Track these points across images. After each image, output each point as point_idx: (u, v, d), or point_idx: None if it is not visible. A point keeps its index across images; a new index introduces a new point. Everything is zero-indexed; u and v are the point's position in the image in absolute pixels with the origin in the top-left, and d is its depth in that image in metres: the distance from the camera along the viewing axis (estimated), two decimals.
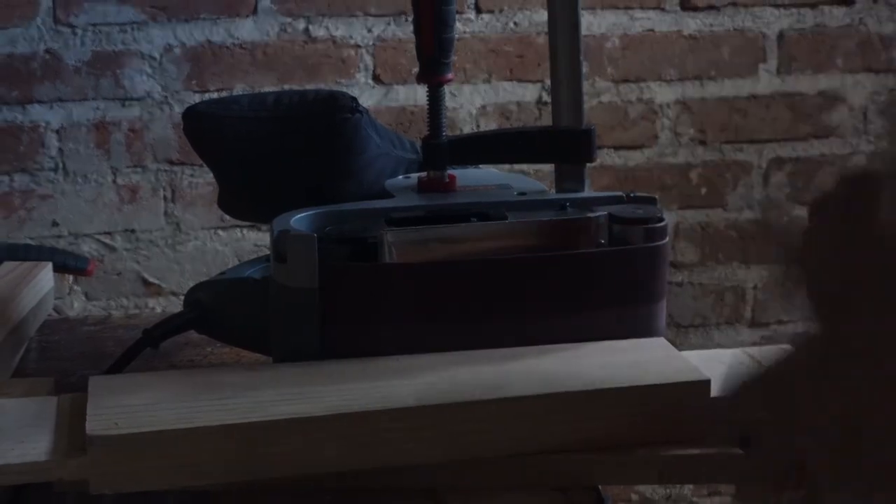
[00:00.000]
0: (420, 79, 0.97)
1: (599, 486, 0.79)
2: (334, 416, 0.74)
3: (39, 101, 1.49)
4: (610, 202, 0.93)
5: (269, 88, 1.47)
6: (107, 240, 1.54)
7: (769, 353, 0.88)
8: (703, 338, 1.68)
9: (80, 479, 0.71)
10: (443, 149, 0.97)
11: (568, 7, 0.94)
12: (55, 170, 1.52)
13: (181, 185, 1.52)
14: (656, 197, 0.95)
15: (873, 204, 0.56)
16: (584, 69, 0.98)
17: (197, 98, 1.46)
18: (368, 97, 1.51)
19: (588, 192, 0.96)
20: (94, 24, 1.44)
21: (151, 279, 1.56)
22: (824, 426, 0.56)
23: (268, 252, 0.96)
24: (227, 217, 1.23)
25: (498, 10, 1.53)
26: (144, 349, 0.89)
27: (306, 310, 0.83)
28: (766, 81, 1.61)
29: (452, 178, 0.97)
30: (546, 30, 0.97)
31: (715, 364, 0.86)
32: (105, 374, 0.86)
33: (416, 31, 0.95)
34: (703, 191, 1.64)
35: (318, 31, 1.49)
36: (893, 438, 0.54)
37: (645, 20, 1.57)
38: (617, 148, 1.60)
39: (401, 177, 1.00)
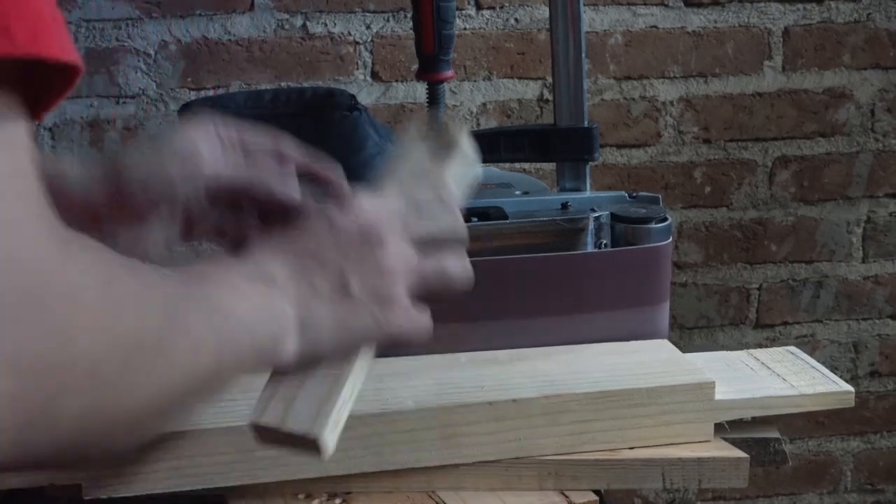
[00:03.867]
0: (419, 76, 0.97)
1: (601, 489, 0.78)
2: None
3: None
4: (612, 201, 0.93)
5: (266, 86, 1.46)
6: None
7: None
8: (707, 339, 1.67)
9: (72, 483, 0.70)
10: None
11: (570, 3, 0.94)
12: None
13: None
14: (659, 196, 0.95)
15: None
16: (587, 66, 0.97)
17: (193, 95, 1.45)
18: (367, 95, 1.50)
19: (590, 192, 0.96)
20: (88, 20, 1.43)
21: None
22: None
23: None
24: None
25: (499, 7, 1.52)
26: None
27: None
28: (771, 78, 1.60)
29: None
30: (548, 26, 0.96)
31: (719, 366, 0.86)
32: None
33: (416, 28, 0.95)
34: (707, 190, 1.62)
35: (316, 28, 1.48)
36: None
37: (648, 16, 1.55)
38: (619, 146, 1.59)
39: None
